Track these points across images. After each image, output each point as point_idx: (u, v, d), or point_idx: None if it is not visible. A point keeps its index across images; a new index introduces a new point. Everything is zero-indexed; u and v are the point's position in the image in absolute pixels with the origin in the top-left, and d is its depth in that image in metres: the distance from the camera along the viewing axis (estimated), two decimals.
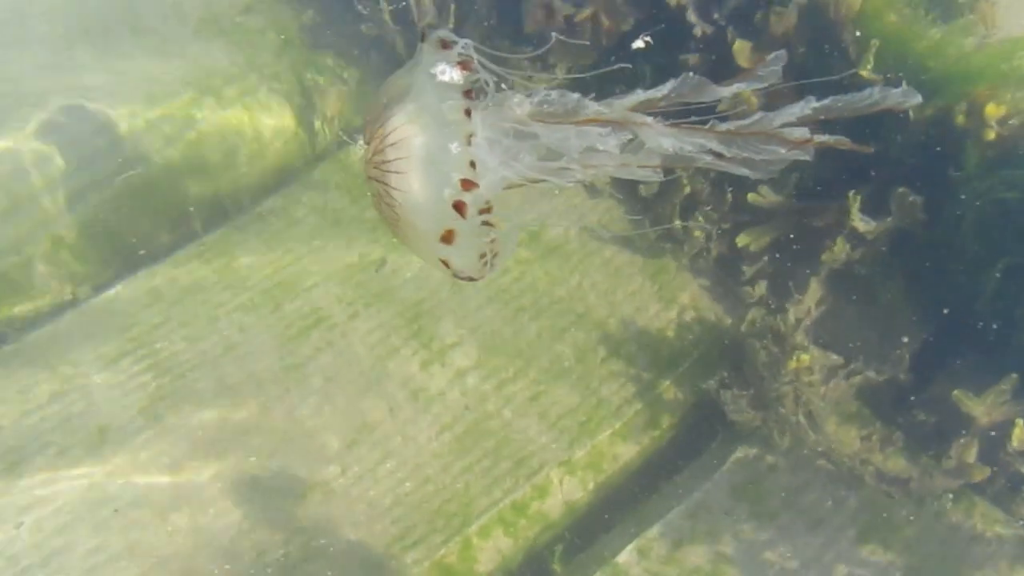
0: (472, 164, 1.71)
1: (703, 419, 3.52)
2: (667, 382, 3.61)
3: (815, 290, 3.42)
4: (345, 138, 4.51)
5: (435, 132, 1.73)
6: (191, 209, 4.28)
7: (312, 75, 4.60)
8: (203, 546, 3.17)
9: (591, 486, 3.45)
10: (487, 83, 1.79)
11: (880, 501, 3.27)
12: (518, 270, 4.02)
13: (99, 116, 4.39)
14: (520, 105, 1.81)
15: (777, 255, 3.71)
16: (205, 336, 3.78)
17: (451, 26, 4.30)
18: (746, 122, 1.80)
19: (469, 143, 1.72)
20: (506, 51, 4.22)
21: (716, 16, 3.65)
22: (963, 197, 3.22)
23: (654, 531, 3.32)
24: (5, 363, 3.64)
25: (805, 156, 1.82)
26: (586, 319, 3.83)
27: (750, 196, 3.53)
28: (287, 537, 3.22)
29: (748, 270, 3.64)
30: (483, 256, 1.86)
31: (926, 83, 3.21)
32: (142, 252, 4.16)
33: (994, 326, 3.33)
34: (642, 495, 3.46)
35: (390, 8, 4.43)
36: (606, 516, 3.44)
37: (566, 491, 3.43)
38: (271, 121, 4.53)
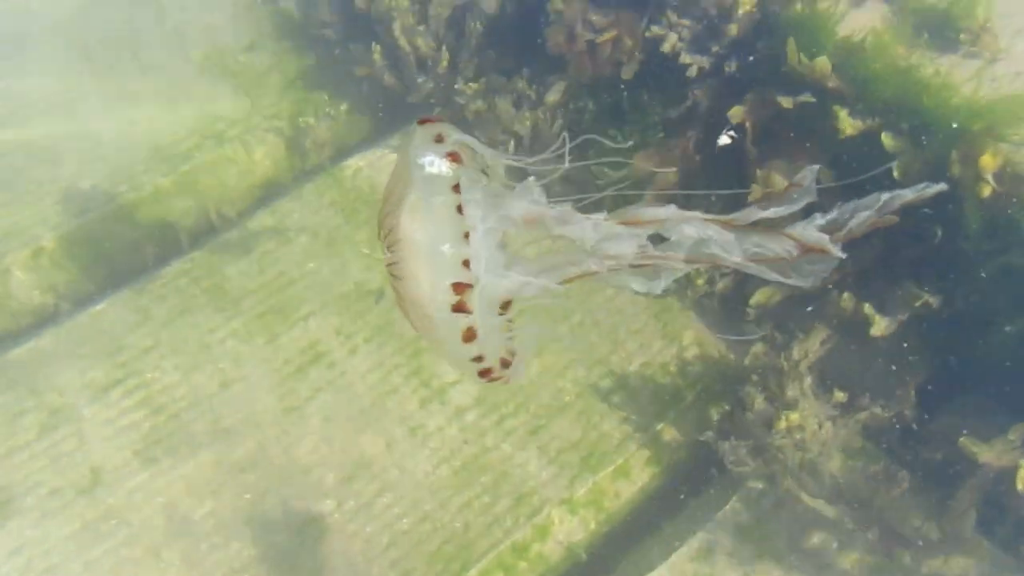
0: (466, 263, 1.70)
1: (706, 454, 3.56)
2: (670, 418, 3.67)
3: (820, 329, 3.49)
4: None
5: (432, 230, 1.71)
6: (177, 224, 4.41)
7: (306, 115, 4.73)
8: None
9: (592, 525, 3.48)
10: (483, 171, 1.77)
11: (885, 544, 3.31)
12: (520, 305, 4.09)
13: (105, 162, 4.54)
14: (532, 204, 1.81)
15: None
16: (198, 367, 3.84)
17: (445, 64, 4.42)
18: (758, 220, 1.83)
19: (465, 241, 1.70)
20: (502, 83, 4.38)
21: (715, 48, 3.77)
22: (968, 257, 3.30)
23: (657, 575, 3.35)
24: None
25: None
26: (588, 356, 3.90)
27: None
28: None
29: (752, 312, 3.71)
30: (502, 356, 1.87)
31: (927, 125, 3.30)
32: (127, 266, 4.29)
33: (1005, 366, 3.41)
34: (644, 534, 3.49)
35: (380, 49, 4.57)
36: (608, 557, 3.48)
37: (567, 532, 3.47)
38: (264, 148, 4.67)
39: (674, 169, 3.95)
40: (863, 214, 1.84)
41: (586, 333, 3.99)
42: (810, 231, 1.84)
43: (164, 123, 4.70)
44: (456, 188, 1.70)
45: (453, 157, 1.72)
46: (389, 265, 1.81)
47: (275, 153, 4.74)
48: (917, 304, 3.28)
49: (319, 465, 3.55)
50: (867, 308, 3.34)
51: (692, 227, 1.84)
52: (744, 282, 3.75)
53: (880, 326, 3.33)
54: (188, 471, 3.53)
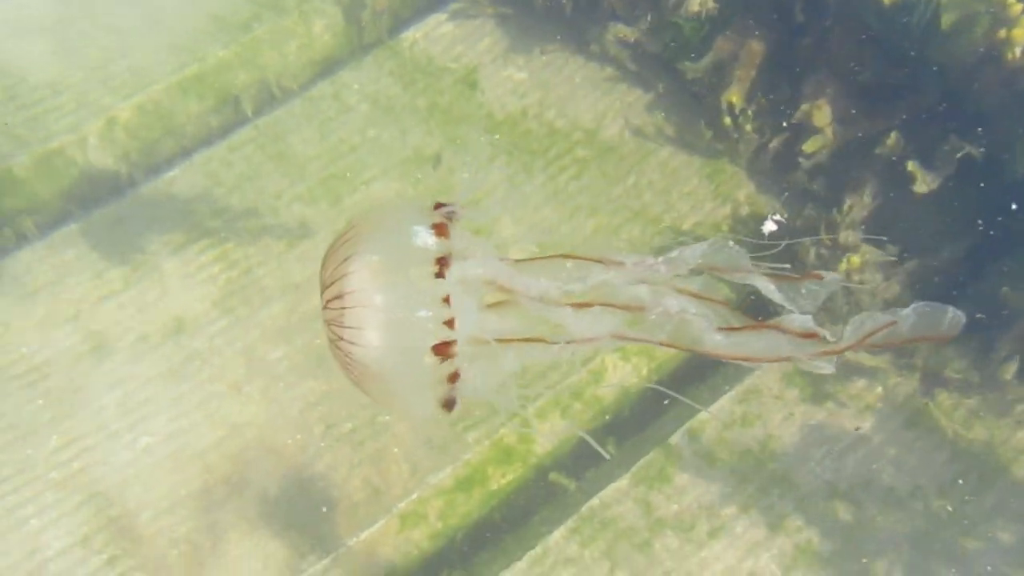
0: (450, 323, 1.68)
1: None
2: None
3: (871, 184, 3.70)
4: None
5: (401, 294, 1.69)
6: (240, 96, 4.69)
7: None
8: (275, 416, 3.62)
9: (644, 372, 3.81)
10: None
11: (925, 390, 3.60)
12: (575, 169, 4.36)
13: (168, 32, 4.81)
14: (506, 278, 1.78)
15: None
16: (268, 229, 4.20)
17: None
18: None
19: (444, 305, 1.69)
20: None
21: None
22: None
23: (705, 415, 3.68)
24: (74, 243, 4.11)
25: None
26: (641, 216, 4.17)
27: (804, 109, 3.82)
28: (353, 411, 3.65)
29: (805, 163, 3.92)
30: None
31: None
32: (194, 136, 4.61)
33: None
34: (694, 380, 3.82)
35: None
36: (659, 401, 3.81)
37: (620, 377, 3.80)
38: (324, 20, 4.89)
39: (761, 47, 4.10)
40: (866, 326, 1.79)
41: (640, 194, 4.25)
42: (802, 323, 1.78)
43: None
44: (441, 261, 1.71)
45: (439, 230, 1.73)
46: (331, 324, 1.79)
47: (334, 26, 4.97)
48: (959, 155, 3.45)
49: None
50: (911, 165, 3.53)
51: (675, 301, 1.83)
52: (795, 140, 3.96)
53: (924, 182, 3.53)
54: (263, 320, 3.91)
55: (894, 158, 3.63)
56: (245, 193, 4.36)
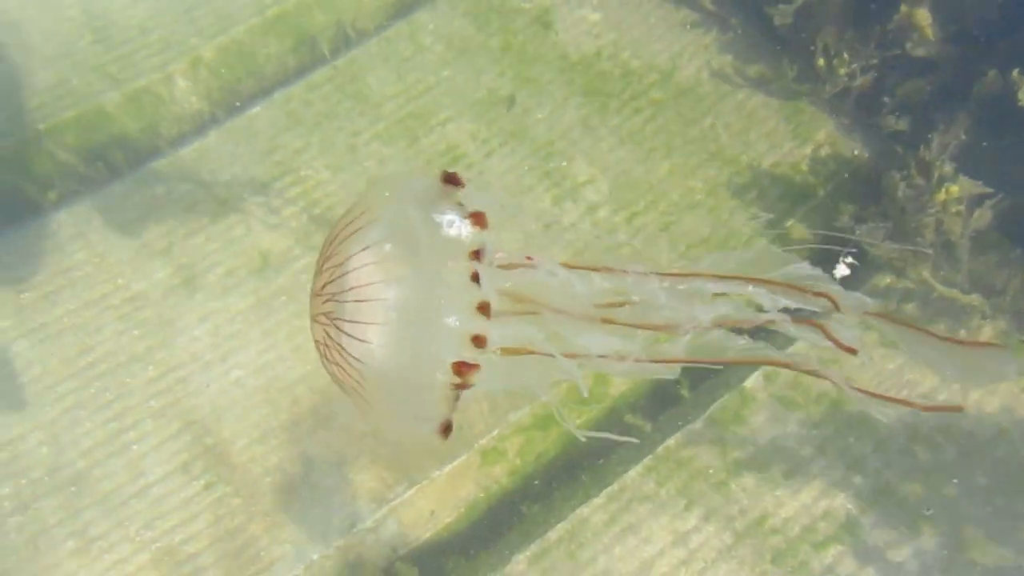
0: (478, 339, 1.47)
1: (833, 251, 3.65)
2: (800, 214, 3.75)
3: (963, 120, 3.46)
4: None
5: (425, 290, 1.48)
6: (318, 37, 4.56)
7: None
8: None
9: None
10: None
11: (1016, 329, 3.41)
12: (650, 111, 4.16)
13: None
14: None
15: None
16: (346, 167, 4.08)
17: None
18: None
19: (476, 314, 1.47)
20: None
21: None
22: None
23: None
24: (164, 178, 4.05)
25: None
26: (718, 157, 3.97)
27: (904, 11, 3.55)
28: None
29: (891, 102, 3.68)
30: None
31: None
32: (273, 77, 4.50)
33: None
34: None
35: None
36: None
37: None
38: None
39: None
40: None
41: (716, 136, 4.04)
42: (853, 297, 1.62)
43: None
44: (476, 255, 1.51)
45: (476, 219, 1.53)
46: (329, 316, 1.56)
47: None
48: None
49: None
50: (1015, 73, 3.27)
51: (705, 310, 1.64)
52: (884, 77, 3.70)
53: None
54: None
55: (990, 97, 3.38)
56: (324, 131, 4.25)
